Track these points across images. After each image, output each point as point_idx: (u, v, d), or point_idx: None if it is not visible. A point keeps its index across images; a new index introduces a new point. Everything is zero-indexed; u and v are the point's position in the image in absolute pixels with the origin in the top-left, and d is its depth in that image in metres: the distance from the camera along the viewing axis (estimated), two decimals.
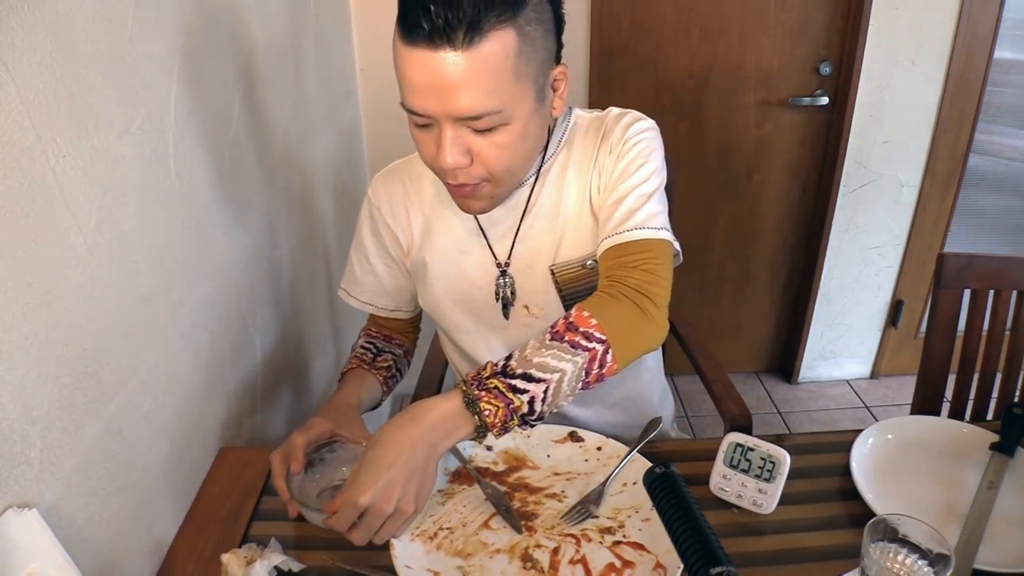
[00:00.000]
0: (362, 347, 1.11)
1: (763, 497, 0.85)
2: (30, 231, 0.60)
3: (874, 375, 2.58)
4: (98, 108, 0.71)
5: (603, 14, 1.99)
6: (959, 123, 2.12)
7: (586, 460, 0.94)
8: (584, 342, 0.80)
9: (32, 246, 0.61)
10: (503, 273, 1.00)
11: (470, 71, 0.76)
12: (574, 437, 0.96)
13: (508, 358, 0.80)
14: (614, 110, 0.99)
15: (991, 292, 1.24)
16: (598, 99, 2.07)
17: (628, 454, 0.91)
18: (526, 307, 1.01)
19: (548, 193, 0.97)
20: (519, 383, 0.77)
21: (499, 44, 0.76)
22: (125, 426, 0.75)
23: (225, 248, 1.05)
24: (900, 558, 0.70)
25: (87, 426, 0.69)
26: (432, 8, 0.73)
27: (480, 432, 0.77)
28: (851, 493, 0.87)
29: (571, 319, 0.82)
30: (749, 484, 0.86)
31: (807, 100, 2.11)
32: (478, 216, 0.99)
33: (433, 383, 1.31)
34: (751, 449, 0.88)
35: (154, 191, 0.83)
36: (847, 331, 2.49)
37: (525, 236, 0.99)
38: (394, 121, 2.03)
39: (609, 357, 0.81)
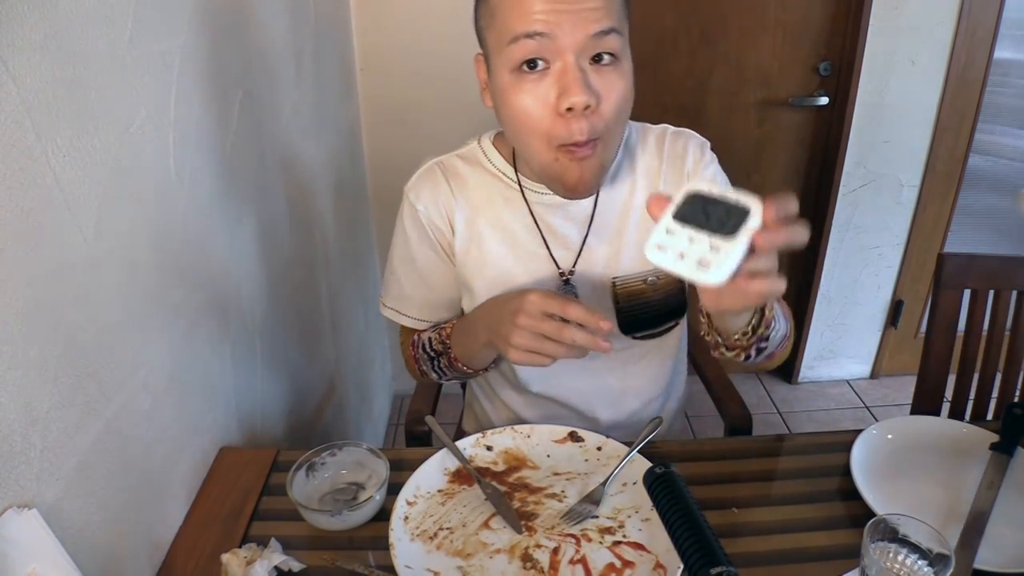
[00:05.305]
0: (431, 338, 1.02)
1: (713, 256, 0.55)
2: (30, 231, 0.60)
3: (874, 375, 2.58)
4: (98, 108, 0.71)
5: None
6: (959, 123, 2.11)
7: (586, 460, 0.93)
8: None
9: (32, 246, 0.61)
10: (566, 283, 0.97)
11: None
12: (574, 437, 0.96)
13: None
14: (670, 128, 1.00)
15: (991, 292, 1.24)
16: None
17: (628, 454, 0.90)
18: None
19: (613, 200, 0.96)
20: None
21: None
22: (125, 426, 0.75)
23: (225, 248, 1.05)
24: (900, 558, 0.70)
25: (87, 426, 0.69)
26: None
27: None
28: (851, 493, 0.86)
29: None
30: (699, 240, 0.56)
31: (807, 100, 2.11)
32: (539, 222, 0.96)
33: (433, 384, 1.30)
34: (715, 202, 0.58)
35: (154, 191, 0.83)
36: (847, 331, 2.49)
37: (590, 245, 0.96)
38: (394, 121, 2.05)
39: None
